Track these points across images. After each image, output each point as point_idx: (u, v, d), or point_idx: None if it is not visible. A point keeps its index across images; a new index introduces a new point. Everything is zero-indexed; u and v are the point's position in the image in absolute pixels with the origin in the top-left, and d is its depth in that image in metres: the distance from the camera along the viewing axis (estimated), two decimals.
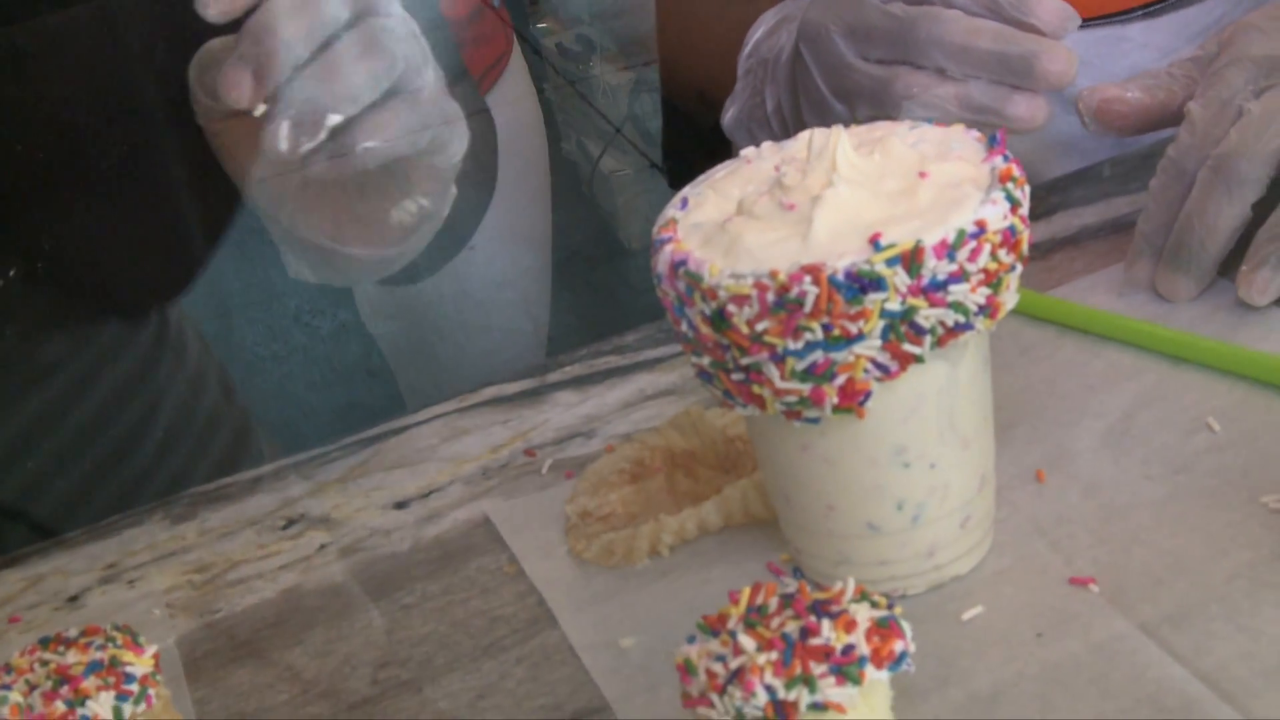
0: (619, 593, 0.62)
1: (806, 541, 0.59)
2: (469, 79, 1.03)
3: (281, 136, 0.56)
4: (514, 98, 1.44)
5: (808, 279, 0.51)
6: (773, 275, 0.52)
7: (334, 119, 0.56)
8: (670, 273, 0.54)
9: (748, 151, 0.60)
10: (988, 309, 0.54)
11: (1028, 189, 0.55)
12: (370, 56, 0.57)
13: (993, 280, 0.53)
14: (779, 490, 0.59)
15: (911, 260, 0.51)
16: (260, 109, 0.56)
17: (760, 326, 0.52)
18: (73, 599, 0.71)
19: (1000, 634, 0.56)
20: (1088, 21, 0.92)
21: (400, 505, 0.71)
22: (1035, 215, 0.79)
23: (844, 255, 0.52)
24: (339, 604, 0.66)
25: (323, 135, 0.57)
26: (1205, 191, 0.69)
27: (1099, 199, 0.80)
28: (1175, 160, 0.71)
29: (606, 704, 0.56)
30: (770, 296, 0.52)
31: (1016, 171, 0.55)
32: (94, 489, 0.90)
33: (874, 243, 0.52)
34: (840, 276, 0.51)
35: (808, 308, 0.51)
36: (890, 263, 0.51)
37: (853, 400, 0.53)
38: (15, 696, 0.49)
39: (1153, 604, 0.55)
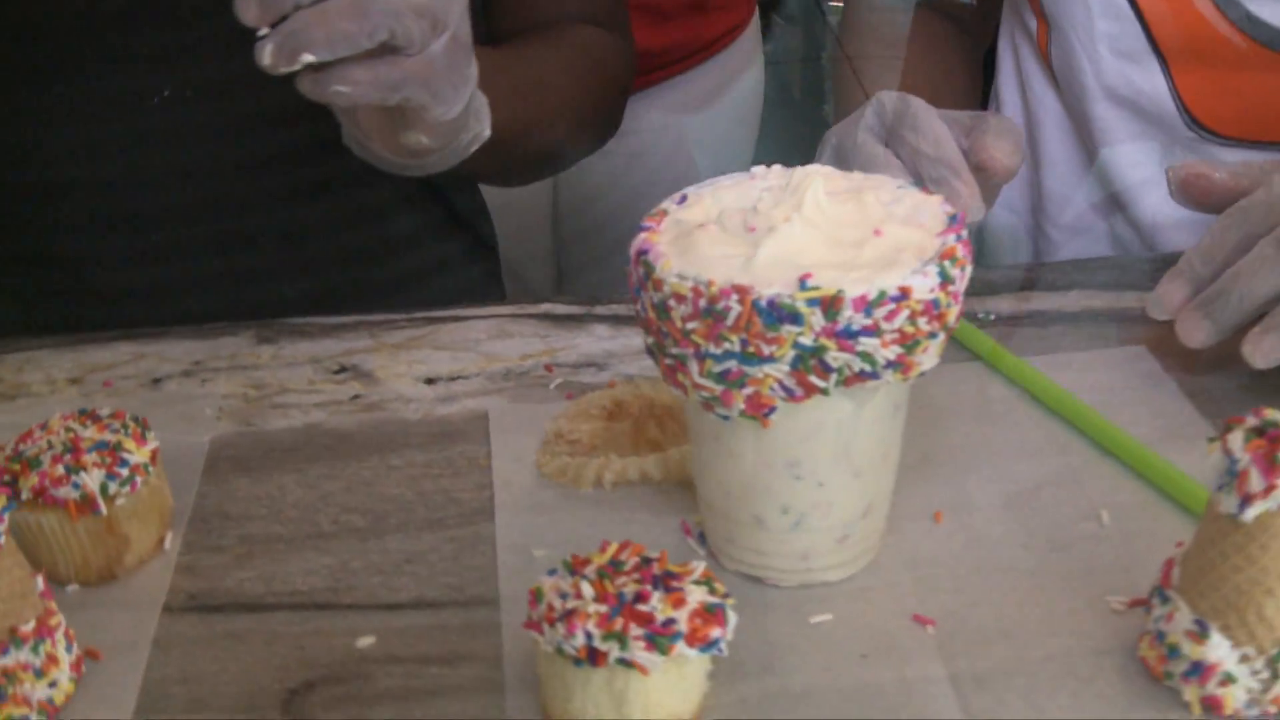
0: (555, 509, 0.67)
1: (706, 514, 0.64)
2: None
3: (265, 53, 0.62)
4: (740, 63, 1.53)
5: (735, 297, 0.55)
6: (709, 284, 0.55)
7: (307, 57, 0.62)
8: (635, 258, 0.59)
9: (758, 169, 0.64)
10: (899, 365, 0.56)
11: (968, 269, 0.58)
12: (354, 18, 0.62)
13: (908, 342, 0.56)
14: (695, 465, 0.63)
15: (830, 305, 0.54)
16: (264, 31, 0.63)
17: (690, 325, 0.56)
18: (156, 381, 0.80)
19: (833, 644, 0.59)
20: (1255, 144, 0.92)
21: (429, 381, 0.77)
22: (1055, 286, 0.82)
23: (773, 285, 0.55)
24: (344, 449, 0.72)
25: (298, 66, 0.62)
26: (1261, 257, 0.69)
27: (1115, 288, 0.82)
28: (1245, 210, 0.71)
29: (498, 599, 0.62)
30: (702, 302, 0.55)
31: (960, 252, 0.57)
32: None
33: (802, 281, 0.55)
34: (763, 303, 0.55)
35: (729, 321, 0.55)
36: (810, 303, 0.54)
37: (758, 410, 0.57)
38: None
39: (970, 659, 0.58)
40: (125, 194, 0.91)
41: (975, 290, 0.81)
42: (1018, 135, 0.74)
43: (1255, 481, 0.52)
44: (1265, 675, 0.55)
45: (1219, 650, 0.55)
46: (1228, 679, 0.55)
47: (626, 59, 1.01)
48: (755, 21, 1.56)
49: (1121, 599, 0.60)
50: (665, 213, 0.61)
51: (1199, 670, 0.55)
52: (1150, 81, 0.91)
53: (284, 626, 0.61)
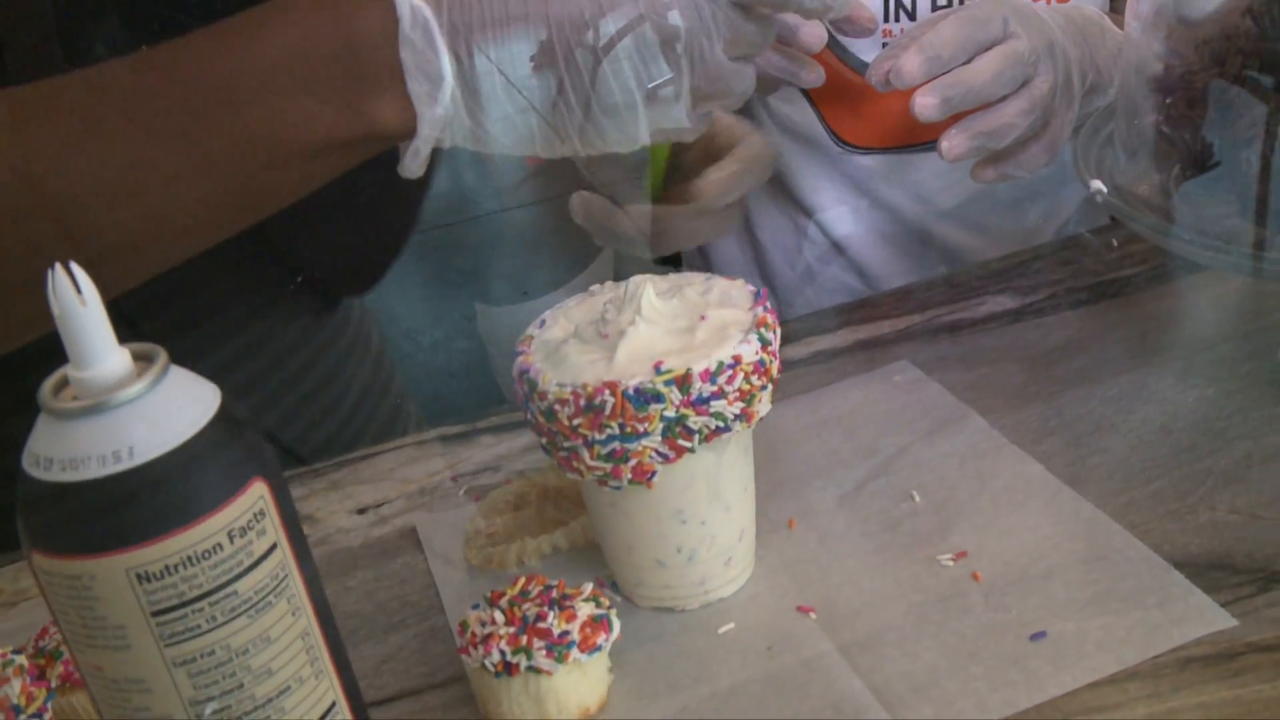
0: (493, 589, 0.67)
1: (616, 569, 0.64)
2: None
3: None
4: None
5: (607, 391, 0.56)
6: (584, 386, 0.57)
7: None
8: (519, 378, 0.60)
9: (594, 287, 0.65)
10: (743, 417, 0.58)
11: (778, 330, 0.61)
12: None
13: (746, 397, 0.58)
14: (598, 531, 0.64)
15: (683, 382, 0.56)
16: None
17: (576, 422, 0.57)
18: None
19: (742, 645, 0.60)
20: (882, 149, 0.99)
21: (360, 511, 0.76)
22: (828, 330, 0.85)
23: (635, 376, 0.57)
24: None
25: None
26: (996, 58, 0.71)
27: (872, 320, 0.86)
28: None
29: (467, 675, 0.62)
30: (582, 402, 0.57)
31: (770, 319, 0.60)
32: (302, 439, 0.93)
33: (657, 368, 0.57)
34: (631, 391, 0.56)
35: (607, 411, 0.56)
36: (668, 383, 0.56)
37: (642, 476, 0.58)
38: None
39: (850, 630, 0.59)
40: None
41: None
42: None
43: None
44: None
45: None
46: None
47: None
48: None
49: (948, 555, 0.63)
50: (532, 337, 0.62)
51: None
52: (804, 116, 0.99)
53: None
